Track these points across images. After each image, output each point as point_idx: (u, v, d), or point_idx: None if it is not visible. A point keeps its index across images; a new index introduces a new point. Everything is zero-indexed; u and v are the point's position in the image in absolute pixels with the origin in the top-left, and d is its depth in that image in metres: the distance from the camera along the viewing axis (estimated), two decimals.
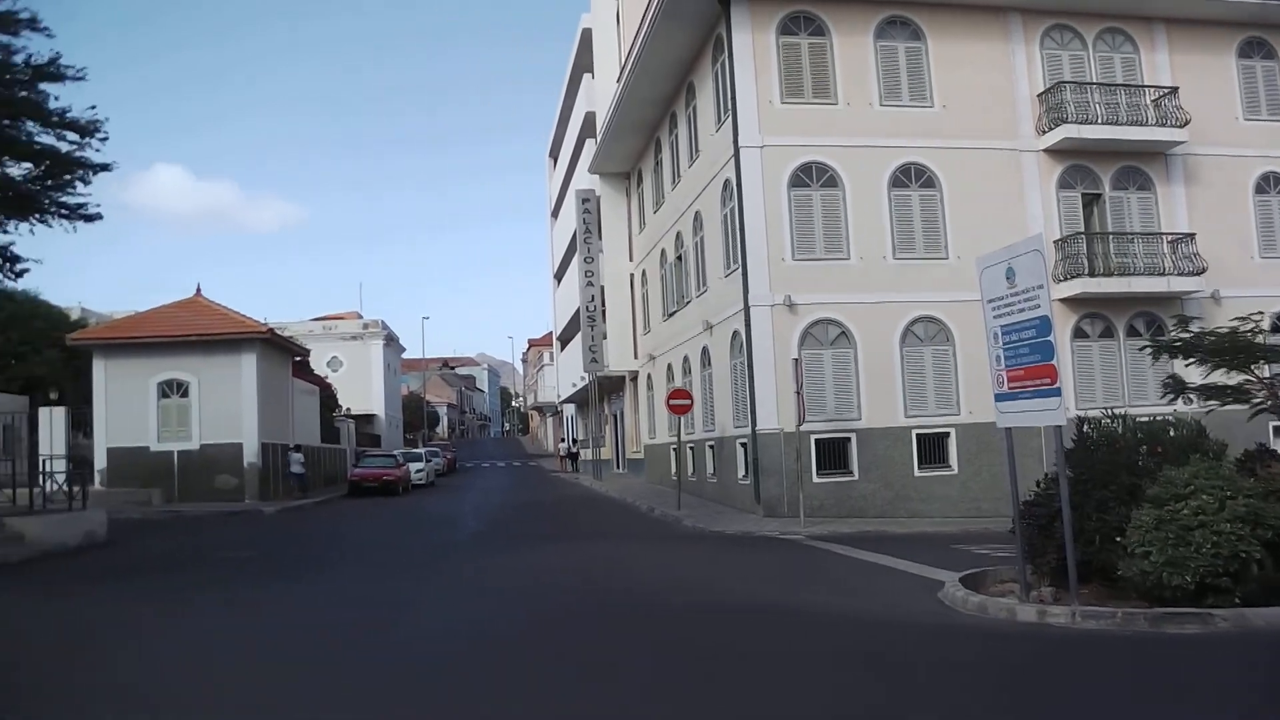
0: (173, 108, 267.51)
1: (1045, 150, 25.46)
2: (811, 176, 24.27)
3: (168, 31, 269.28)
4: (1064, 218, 25.50)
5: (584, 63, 45.83)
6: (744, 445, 25.06)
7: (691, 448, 30.46)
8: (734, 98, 24.46)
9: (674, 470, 30.13)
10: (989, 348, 11.36)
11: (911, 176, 24.70)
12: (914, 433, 24.03)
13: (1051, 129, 25.17)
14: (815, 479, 23.27)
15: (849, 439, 23.79)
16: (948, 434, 24.12)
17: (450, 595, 13.35)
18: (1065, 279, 24.73)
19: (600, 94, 41.12)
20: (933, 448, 24.10)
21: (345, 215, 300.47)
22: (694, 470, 30.24)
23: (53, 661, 9.28)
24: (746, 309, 23.99)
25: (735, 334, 25.35)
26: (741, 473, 25.46)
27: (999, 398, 11.29)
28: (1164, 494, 10.15)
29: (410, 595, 13.23)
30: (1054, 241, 24.78)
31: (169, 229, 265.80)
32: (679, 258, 31.45)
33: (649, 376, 37.62)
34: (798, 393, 21.73)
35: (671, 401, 27.31)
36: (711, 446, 28.53)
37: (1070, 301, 24.83)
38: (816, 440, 23.46)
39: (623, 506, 29.95)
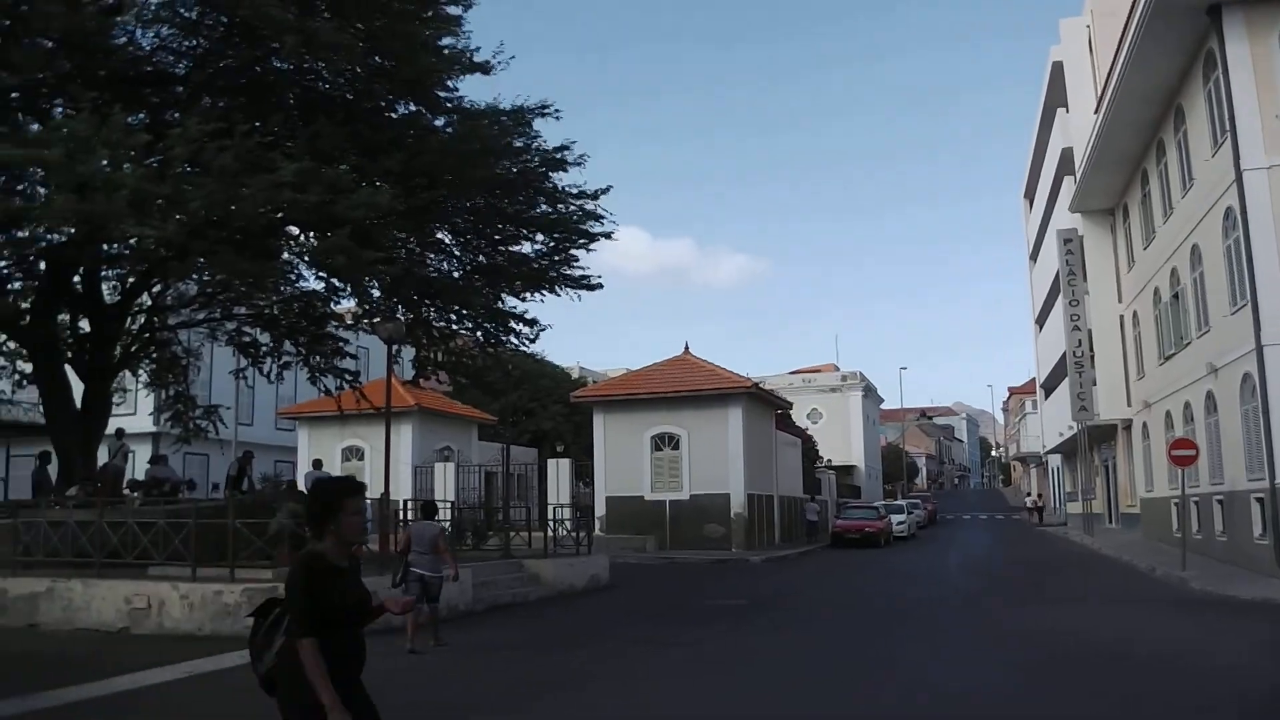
0: (633, 172, 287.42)
1: None
2: None
3: (624, 96, 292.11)
4: None
5: (1056, 98, 43.87)
6: (1260, 500, 22.49)
7: (1196, 502, 27.83)
8: (1232, 117, 22.34)
9: (1176, 526, 27.66)
10: None
11: None
12: None
13: None
14: None
15: None
16: None
17: (963, 656, 13.26)
18: None
19: (1076, 129, 39.13)
20: None
21: (804, 268, 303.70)
22: (1199, 527, 27.58)
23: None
24: (1259, 349, 21.61)
25: (1246, 376, 22.92)
26: (1258, 531, 22.84)
27: None
28: None
29: (916, 655, 13.29)
30: None
31: (630, 286, 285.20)
32: (1175, 296, 29.04)
33: (1144, 425, 34.91)
34: None
35: (1174, 452, 25.11)
36: (1220, 501, 25.87)
37: None
38: None
39: (1120, 565, 27.97)
